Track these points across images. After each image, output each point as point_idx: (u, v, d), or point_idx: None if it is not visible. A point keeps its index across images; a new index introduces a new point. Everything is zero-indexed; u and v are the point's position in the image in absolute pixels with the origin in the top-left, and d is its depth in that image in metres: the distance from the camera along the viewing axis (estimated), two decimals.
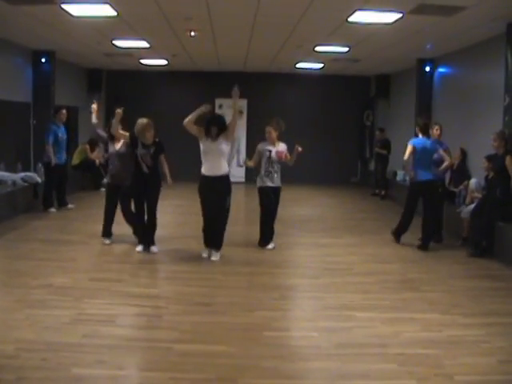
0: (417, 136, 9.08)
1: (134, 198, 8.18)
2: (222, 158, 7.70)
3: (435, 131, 9.58)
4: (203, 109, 7.75)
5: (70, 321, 5.37)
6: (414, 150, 8.75)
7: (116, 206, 8.58)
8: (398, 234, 9.14)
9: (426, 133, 8.93)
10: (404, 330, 5.37)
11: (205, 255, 7.95)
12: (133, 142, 7.93)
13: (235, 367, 4.51)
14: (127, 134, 8.04)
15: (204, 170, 7.76)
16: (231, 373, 4.41)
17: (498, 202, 8.24)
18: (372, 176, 16.02)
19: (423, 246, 8.68)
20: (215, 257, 7.85)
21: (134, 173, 8.00)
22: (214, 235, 7.90)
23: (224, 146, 7.67)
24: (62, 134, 11.40)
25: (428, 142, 8.88)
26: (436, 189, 9.06)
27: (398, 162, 14.33)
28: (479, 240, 8.37)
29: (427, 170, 8.79)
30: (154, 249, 8.12)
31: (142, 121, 7.89)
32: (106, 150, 9.22)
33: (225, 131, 7.68)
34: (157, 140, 8.02)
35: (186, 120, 7.67)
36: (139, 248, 8.18)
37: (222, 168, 7.71)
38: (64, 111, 11.37)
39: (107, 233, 8.62)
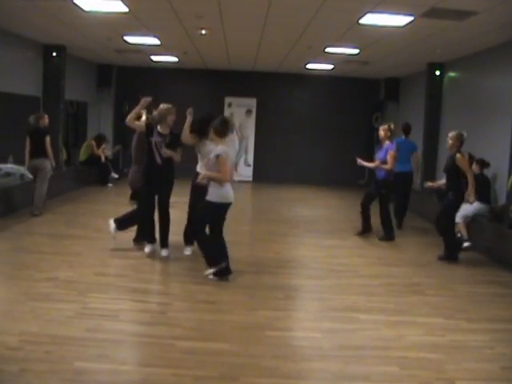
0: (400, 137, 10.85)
1: (144, 191, 7.75)
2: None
3: (381, 131, 9.64)
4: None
5: (74, 314, 5.39)
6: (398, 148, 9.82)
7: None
8: (401, 220, 10.79)
9: (407, 134, 11.06)
10: (407, 334, 5.36)
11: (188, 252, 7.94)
12: (148, 130, 7.53)
13: (237, 365, 4.51)
14: (142, 123, 7.71)
15: (201, 169, 7.45)
16: (233, 371, 4.41)
17: (450, 204, 8.30)
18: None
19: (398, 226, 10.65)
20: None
21: (147, 164, 7.62)
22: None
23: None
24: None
25: (409, 142, 10.93)
26: (411, 179, 11.02)
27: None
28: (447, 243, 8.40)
29: (406, 164, 10.65)
30: (164, 252, 7.78)
31: (165, 105, 7.60)
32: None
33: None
34: (173, 131, 7.64)
35: (184, 135, 7.45)
36: (148, 249, 7.82)
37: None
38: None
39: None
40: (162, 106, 7.63)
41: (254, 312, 5.82)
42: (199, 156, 7.63)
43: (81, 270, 6.93)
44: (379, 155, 9.69)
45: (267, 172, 17.20)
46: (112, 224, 8.03)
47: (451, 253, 8.32)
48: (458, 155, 8.04)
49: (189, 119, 7.46)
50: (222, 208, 6.83)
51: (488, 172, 9.22)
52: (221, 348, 4.84)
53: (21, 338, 4.72)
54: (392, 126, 9.71)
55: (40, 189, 10.20)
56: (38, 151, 10.14)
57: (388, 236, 9.62)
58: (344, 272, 7.57)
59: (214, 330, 5.27)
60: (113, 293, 6.18)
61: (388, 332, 5.41)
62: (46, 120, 10.44)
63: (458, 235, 9.11)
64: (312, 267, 7.89)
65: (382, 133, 9.67)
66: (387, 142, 9.56)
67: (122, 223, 8.13)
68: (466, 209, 9.17)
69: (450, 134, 8.23)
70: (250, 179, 17.18)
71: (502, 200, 9.34)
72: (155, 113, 7.72)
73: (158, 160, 7.51)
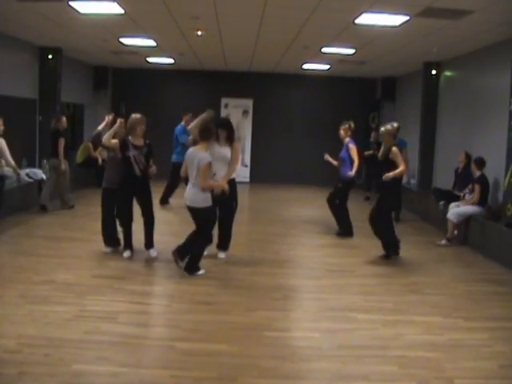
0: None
1: (121, 202, 7.77)
2: (226, 164, 7.58)
3: (341, 131, 9.68)
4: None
5: (72, 317, 5.39)
6: None
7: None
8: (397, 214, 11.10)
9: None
10: (405, 333, 5.37)
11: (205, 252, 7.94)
12: (123, 146, 7.54)
13: (236, 366, 4.52)
14: (116, 140, 7.68)
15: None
16: (232, 372, 4.42)
17: (382, 203, 8.28)
18: (366, 180, 15.10)
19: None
20: (222, 254, 7.91)
21: (125, 177, 7.61)
22: (220, 236, 7.91)
23: (228, 152, 7.61)
24: None
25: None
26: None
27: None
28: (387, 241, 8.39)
29: None
30: (152, 252, 7.87)
31: (135, 115, 7.66)
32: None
33: (232, 137, 7.65)
34: (147, 142, 7.71)
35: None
36: (127, 254, 7.79)
37: (224, 172, 7.56)
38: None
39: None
40: (133, 116, 7.70)
41: (252, 313, 5.83)
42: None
43: (78, 272, 6.93)
44: (341, 154, 9.70)
45: (264, 172, 17.19)
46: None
47: (395, 249, 8.34)
48: (393, 148, 7.96)
49: (199, 120, 7.68)
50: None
51: (484, 171, 9.23)
52: (219, 349, 4.85)
53: (19, 341, 4.72)
54: (352, 125, 9.78)
55: (47, 186, 11.05)
56: (53, 152, 10.87)
57: (345, 232, 9.79)
58: (342, 272, 7.58)
59: (212, 331, 5.27)
60: (111, 295, 6.17)
61: (386, 331, 5.42)
62: (63, 122, 11.02)
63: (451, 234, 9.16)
64: (310, 267, 7.90)
65: (342, 132, 9.71)
66: (347, 140, 9.63)
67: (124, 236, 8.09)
68: (464, 209, 9.19)
69: (383, 129, 8.19)
70: (248, 180, 17.17)
71: (498, 198, 9.36)
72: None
73: (138, 172, 7.59)
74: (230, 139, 7.65)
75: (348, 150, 9.55)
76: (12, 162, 9.08)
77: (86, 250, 8.07)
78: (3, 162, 8.85)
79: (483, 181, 9.15)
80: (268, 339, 5.14)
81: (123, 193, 7.71)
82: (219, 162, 7.46)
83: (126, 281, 6.75)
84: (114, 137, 7.68)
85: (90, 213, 11.13)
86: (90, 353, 4.61)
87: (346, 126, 9.73)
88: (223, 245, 7.98)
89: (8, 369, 4.22)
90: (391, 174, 7.86)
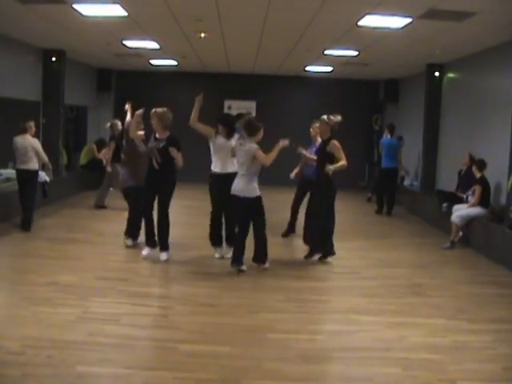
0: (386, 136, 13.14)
1: (143, 194, 7.82)
2: (233, 157, 7.64)
3: (312, 130, 9.42)
4: (199, 102, 7.68)
5: (76, 319, 5.40)
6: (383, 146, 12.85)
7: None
8: (391, 208, 12.58)
9: (391, 134, 12.87)
10: (409, 335, 5.36)
11: (217, 255, 7.96)
12: (146, 137, 7.78)
13: (239, 368, 4.52)
14: (142, 133, 7.99)
15: (215, 168, 7.74)
16: (235, 374, 4.42)
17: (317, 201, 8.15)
18: (373, 181, 15.44)
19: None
20: (229, 254, 7.86)
21: (148, 169, 7.70)
22: (227, 233, 7.92)
23: (233, 144, 7.65)
24: None
25: (393, 141, 12.81)
26: (396, 174, 13.07)
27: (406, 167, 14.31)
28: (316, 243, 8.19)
29: (392, 160, 12.67)
30: (163, 256, 7.73)
31: (156, 109, 7.72)
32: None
33: (232, 131, 7.71)
34: (169, 135, 7.66)
35: (191, 119, 7.65)
36: (145, 252, 7.85)
37: (234, 165, 7.64)
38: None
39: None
40: (153, 110, 7.76)
41: (255, 314, 5.82)
42: (214, 150, 7.76)
43: (82, 274, 6.93)
44: (312, 152, 9.05)
45: (267, 174, 17.13)
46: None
47: (330, 249, 8.09)
48: (334, 141, 7.85)
49: (196, 106, 7.64)
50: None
51: (487, 172, 9.22)
52: (222, 351, 4.84)
53: (22, 343, 4.73)
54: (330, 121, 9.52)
55: (103, 186, 12.01)
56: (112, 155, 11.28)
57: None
58: (345, 274, 7.57)
59: (215, 333, 5.27)
60: (114, 297, 6.17)
61: (390, 333, 5.41)
62: (118, 127, 11.27)
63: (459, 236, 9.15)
64: (313, 269, 7.88)
65: (312, 131, 9.38)
66: (319, 140, 9.01)
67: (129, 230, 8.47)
68: (467, 211, 9.17)
69: (324, 117, 8.05)
70: None
71: (501, 200, 9.34)
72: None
73: (156, 165, 7.57)
74: (230, 133, 7.72)
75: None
76: (46, 159, 9.87)
77: (90, 252, 8.09)
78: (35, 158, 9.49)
79: (484, 182, 9.14)
80: (271, 341, 5.13)
81: (145, 187, 7.76)
82: (227, 154, 7.61)
83: (129, 282, 6.75)
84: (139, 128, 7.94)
85: (93, 214, 11.18)
86: (94, 354, 4.61)
87: (317, 125, 8.93)
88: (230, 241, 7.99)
89: (11, 370, 4.22)
90: (332, 167, 7.73)
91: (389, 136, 13.11)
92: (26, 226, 9.24)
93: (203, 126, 7.73)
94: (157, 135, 7.65)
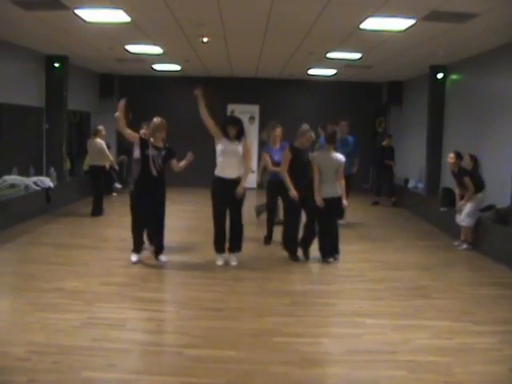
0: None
1: (138, 202, 7.87)
2: (238, 160, 7.65)
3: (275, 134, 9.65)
4: (198, 94, 7.60)
5: (81, 324, 5.40)
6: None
7: None
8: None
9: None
10: (414, 337, 5.35)
11: (220, 263, 7.90)
12: (143, 144, 7.68)
13: (245, 372, 4.51)
14: (137, 135, 7.91)
15: (220, 172, 7.68)
16: (241, 378, 4.41)
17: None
18: (376, 184, 15.50)
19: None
20: (234, 261, 7.87)
21: (141, 176, 7.72)
22: (232, 239, 7.90)
23: (240, 148, 7.67)
24: None
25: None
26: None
27: (408, 169, 14.31)
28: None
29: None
30: (163, 258, 7.92)
31: (157, 120, 7.77)
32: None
33: (243, 134, 7.72)
34: (167, 145, 7.82)
35: (201, 113, 7.63)
36: (135, 258, 7.83)
37: (239, 170, 7.65)
38: None
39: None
40: (155, 119, 7.81)
41: (260, 318, 5.82)
42: (220, 156, 7.70)
43: (87, 279, 6.95)
44: (278, 158, 9.17)
45: None
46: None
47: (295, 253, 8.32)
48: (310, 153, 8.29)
49: (202, 100, 7.62)
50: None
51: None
52: (228, 355, 4.84)
53: (28, 349, 4.73)
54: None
55: None
56: None
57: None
58: (349, 277, 7.56)
59: (221, 338, 5.27)
60: (119, 302, 6.18)
61: (395, 336, 5.40)
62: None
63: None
64: (318, 272, 7.89)
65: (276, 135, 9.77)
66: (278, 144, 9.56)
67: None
68: (468, 208, 9.12)
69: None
70: (255, 186, 17.14)
71: (506, 202, 9.31)
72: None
73: (154, 172, 7.65)
74: (240, 136, 7.70)
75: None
76: (110, 158, 12.07)
77: (95, 258, 8.10)
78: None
79: (467, 172, 9.21)
80: (277, 345, 5.13)
81: (137, 192, 7.84)
82: (231, 157, 7.61)
83: (135, 288, 6.76)
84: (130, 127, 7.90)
85: (97, 220, 11.19)
86: (99, 360, 4.61)
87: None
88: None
89: (17, 376, 4.23)
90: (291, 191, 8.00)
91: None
92: (95, 212, 11.44)
93: (214, 124, 7.70)
94: (155, 144, 7.71)
